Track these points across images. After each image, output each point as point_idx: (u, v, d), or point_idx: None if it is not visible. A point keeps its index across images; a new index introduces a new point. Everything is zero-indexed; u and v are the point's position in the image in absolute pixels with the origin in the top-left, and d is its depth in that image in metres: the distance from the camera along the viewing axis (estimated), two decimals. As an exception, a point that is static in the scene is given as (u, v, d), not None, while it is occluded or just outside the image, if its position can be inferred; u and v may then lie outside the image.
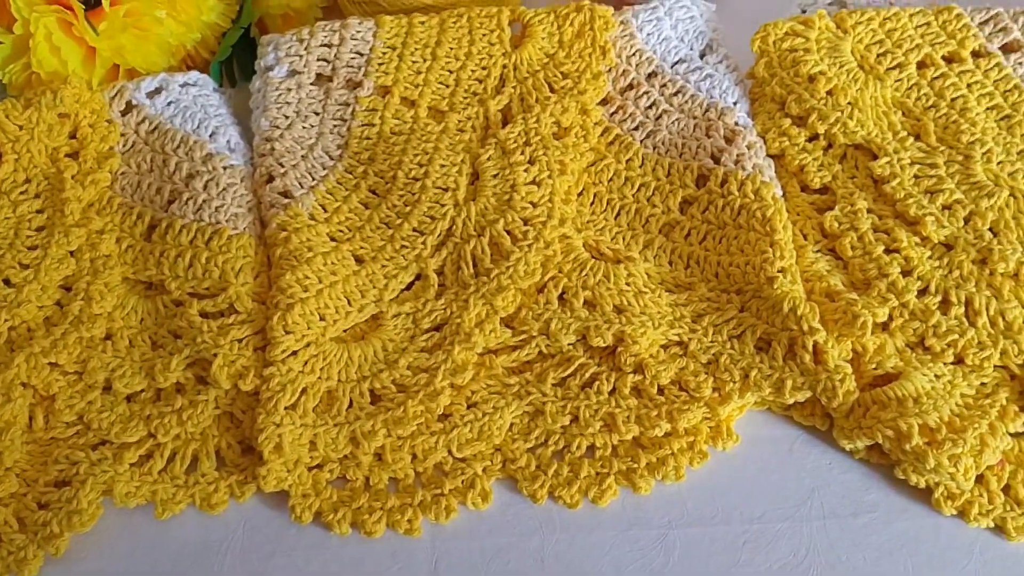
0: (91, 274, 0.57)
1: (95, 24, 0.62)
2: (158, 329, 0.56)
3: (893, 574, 0.48)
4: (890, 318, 0.53)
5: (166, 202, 0.60)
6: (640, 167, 0.61)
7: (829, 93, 0.60)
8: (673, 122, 0.62)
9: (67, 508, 0.51)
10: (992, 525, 0.49)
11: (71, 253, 0.57)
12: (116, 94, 0.63)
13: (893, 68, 0.62)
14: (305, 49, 0.65)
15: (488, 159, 0.60)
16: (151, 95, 0.63)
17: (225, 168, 0.60)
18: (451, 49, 0.65)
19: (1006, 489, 0.49)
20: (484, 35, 0.65)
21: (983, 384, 0.51)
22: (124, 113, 0.63)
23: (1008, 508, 0.48)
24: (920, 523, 0.49)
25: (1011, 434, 0.50)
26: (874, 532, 0.49)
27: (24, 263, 0.57)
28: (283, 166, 0.61)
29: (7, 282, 0.56)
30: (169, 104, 0.63)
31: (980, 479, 0.49)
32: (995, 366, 0.51)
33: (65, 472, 0.52)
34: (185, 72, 0.65)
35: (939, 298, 0.53)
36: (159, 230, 0.59)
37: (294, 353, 0.53)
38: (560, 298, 0.56)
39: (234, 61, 0.69)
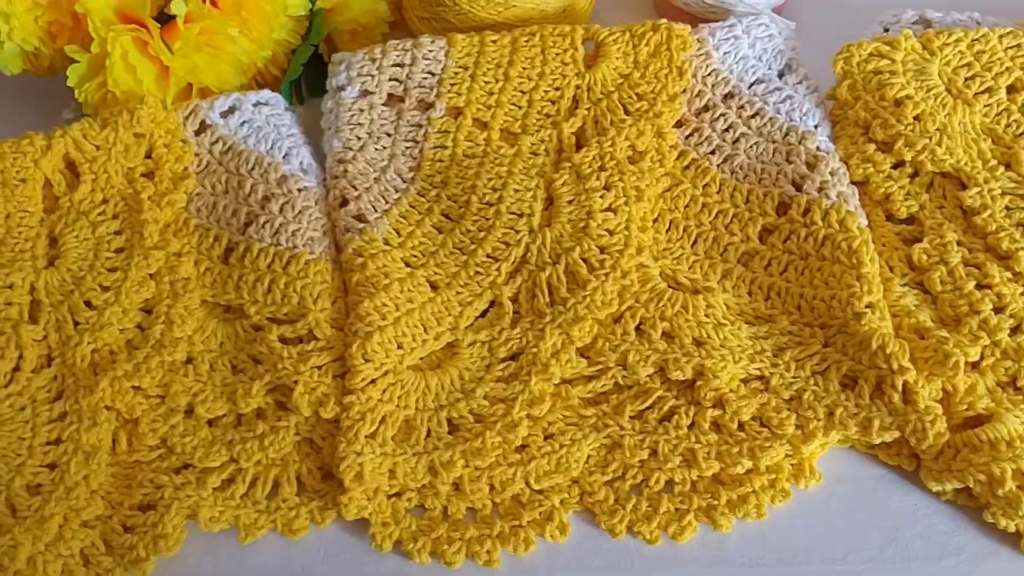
0: (171, 297, 0.57)
1: (169, 43, 0.62)
2: (238, 353, 0.57)
3: (980, 620, 0.48)
4: (981, 357, 0.51)
5: (243, 224, 0.60)
6: (717, 193, 0.60)
7: (916, 118, 0.59)
8: (751, 146, 0.61)
9: (152, 532, 0.51)
10: (1083, 572, 0.48)
11: (150, 275, 0.58)
12: (190, 114, 0.63)
13: (982, 92, 0.60)
14: (377, 69, 0.64)
15: (563, 184, 0.59)
16: (224, 115, 0.63)
17: (300, 190, 0.60)
18: (524, 69, 0.64)
19: (1099, 536, 0.48)
20: (557, 54, 0.64)
21: (1076, 427, 0.50)
22: (198, 133, 0.63)
23: (1101, 556, 0.47)
24: (1007, 567, 0.49)
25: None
26: (960, 575, 0.49)
27: (105, 285, 0.57)
28: (356, 189, 0.60)
29: (89, 304, 0.57)
30: (243, 124, 0.63)
31: (1073, 526, 0.48)
32: (1089, 409, 0.50)
33: (150, 496, 0.53)
34: (256, 91, 0.65)
35: (1032, 337, 0.52)
36: (236, 253, 0.59)
37: (373, 381, 0.54)
38: (637, 329, 0.55)
39: (302, 78, 0.69)
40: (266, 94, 0.64)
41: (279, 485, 0.54)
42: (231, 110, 0.63)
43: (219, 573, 0.52)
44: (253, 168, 0.61)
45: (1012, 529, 0.49)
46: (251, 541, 0.52)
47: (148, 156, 0.62)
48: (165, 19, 0.63)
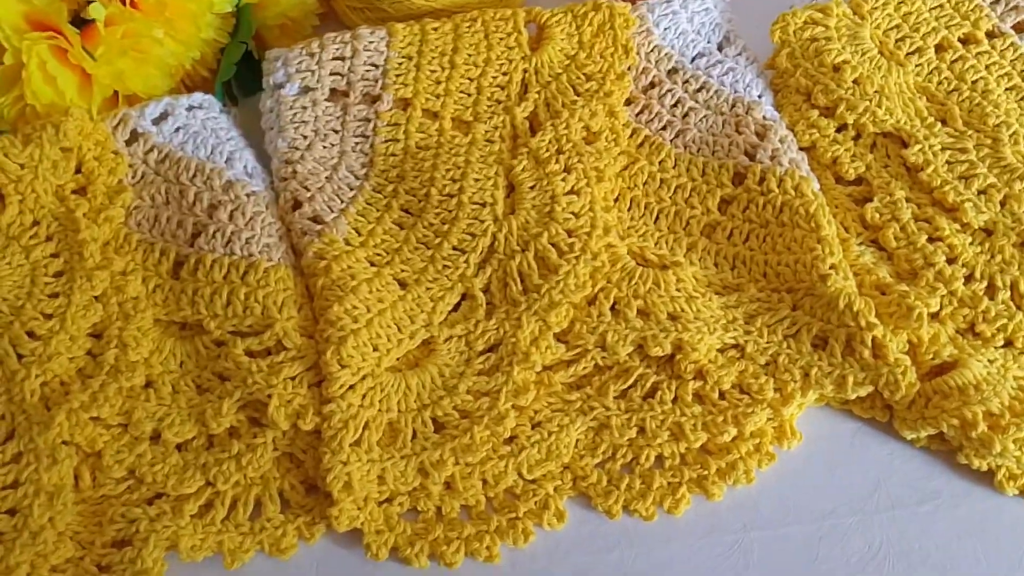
0: (122, 319, 0.54)
1: (90, 49, 0.58)
2: (201, 372, 0.54)
3: (964, 557, 0.50)
4: (940, 307, 0.54)
5: (190, 236, 0.57)
6: (674, 168, 0.60)
7: (855, 82, 0.60)
8: (701, 119, 0.62)
9: (131, 569, 0.49)
10: (1055, 503, 0.51)
11: (96, 298, 0.54)
12: (119, 123, 0.59)
13: (913, 53, 0.62)
14: (317, 63, 0.62)
15: (523, 170, 0.59)
16: (156, 121, 0.60)
17: (248, 195, 0.58)
18: (469, 56, 0.63)
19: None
20: (501, 39, 0.63)
21: (1034, 366, 0.53)
22: (129, 143, 0.60)
23: (1069, 484, 0.50)
24: (984, 505, 0.51)
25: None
26: (941, 518, 0.51)
27: (47, 313, 0.54)
28: (308, 190, 0.58)
29: (31, 334, 0.53)
30: (177, 130, 0.60)
31: (1041, 459, 0.51)
32: (1044, 347, 0.53)
33: (124, 531, 0.50)
34: (188, 94, 0.62)
35: (985, 284, 0.54)
36: (187, 267, 0.56)
37: (351, 387, 0.52)
38: (612, 309, 0.55)
39: (232, 78, 0.66)
40: (199, 97, 0.61)
41: (261, 504, 0.52)
42: (163, 116, 0.60)
43: (207, 602, 0.50)
44: (195, 176, 0.58)
45: (985, 468, 0.51)
46: (238, 566, 0.50)
47: (78, 171, 0.58)
48: (80, 24, 0.59)
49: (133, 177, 0.59)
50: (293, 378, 0.52)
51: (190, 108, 0.61)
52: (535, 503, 0.52)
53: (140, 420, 0.52)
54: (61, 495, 0.49)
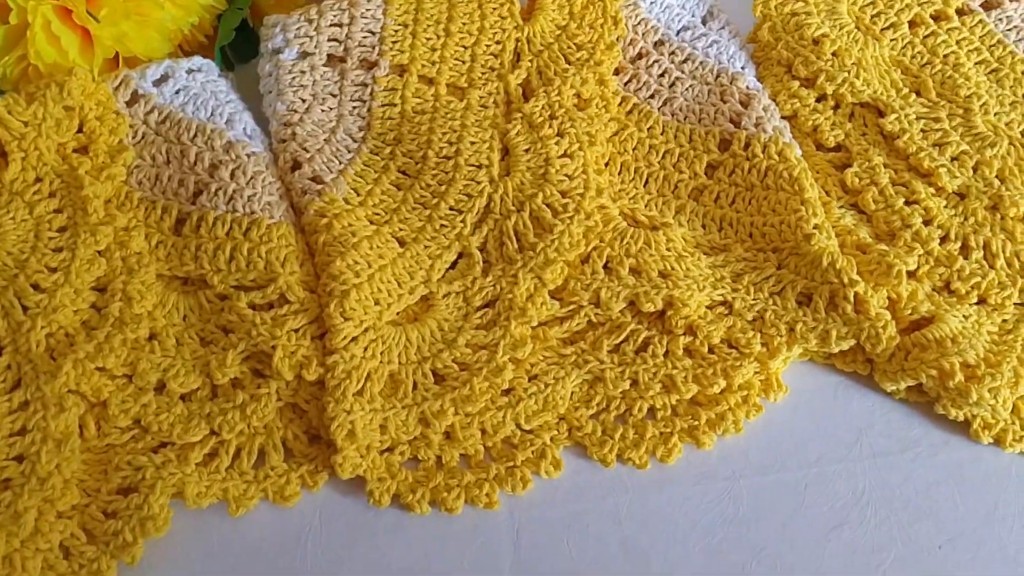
0: (125, 273, 0.55)
1: (93, 12, 0.59)
2: (204, 325, 0.55)
3: (942, 501, 0.52)
4: (917, 266, 0.56)
5: (192, 194, 0.58)
6: (662, 134, 0.63)
7: (834, 54, 0.63)
8: (687, 88, 0.64)
9: (138, 515, 0.50)
10: (1026, 449, 0.53)
11: (100, 253, 0.55)
12: (120, 83, 0.60)
13: (887, 28, 0.65)
14: (315, 30, 0.63)
15: (517, 134, 0.61)
16: (157, 83, 0.61)
17: (249, 155, 0.59)
18: (463, 25, 0.65)
19: (1037, 415, 0.54)
20: (494, 9, 0.65)
21: (1004, 321, 0.55)
22: (130, 104, 0.61)
23: (1040, 432, 0.53)
24: (961, 453, 0.53)
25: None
26: (921, 465, 0.53)
27: (51, 266, 0.55)
28: (308, 151, 0.60)
29: (36, 287, 0.54)
30: (178, 92, 0.61)
31: (1013, 409, 0.53)
32: (1014, 304, 0.56)
33: (130, 478, 0.51)
34: (188, 58, 0.63)
35: (959, 244, 0.57)
36: (190, 224, 0.57)
37: (354, 339, 0.53)
38: (605, 267, 0.57)
39: (228, 44, 0.67)
40: (198, 60, 0.62)
41: (265, 453, 0.53)
42: (164, 78, 0.61)
43: (212, 550, 0.51)
44: (196, 136, 0.59)
45: (962, 418, 0.53)
46: (242, 513, 0.51)
47: (79, 131, 0.59)
48: (82, -13, 0.60)
49: (134, 137, 0.60)
50: (297, 330, 0.54)
51: (190, 71, 0.62)
52: (532, 452, 0.53)
53: (145, 371, 0.53)
54: (68, 442, 0.50)
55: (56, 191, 0.57)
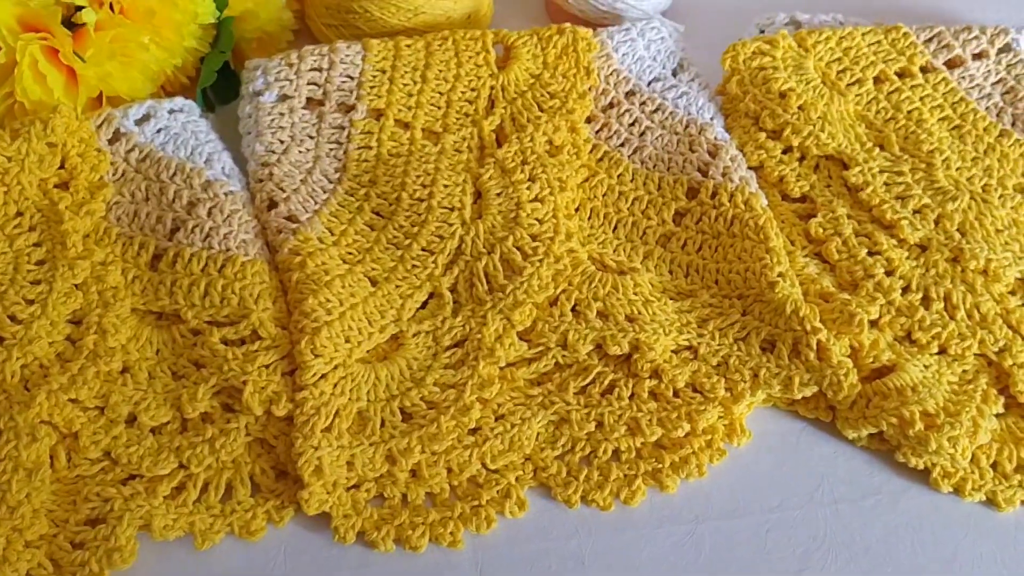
0: (101, 307, 0.56)
1: (80, 52, 0.61)
2: (177, 359, 0.56)
3: (901, 549, 0.53)
4: (879, 315, 0.57)
5: (169, 231, 0.59)
6: (631, 181, 0.64)
7: (800, 108, 0.65)
8: (656, 138, 0.66)
9: (105, 546, 0.50)
10: (984, 499, 0.54)
11: (76, 286, 0.56)
12: (103, 122, 0.62)
13: (853, 84, 0.67)
14: (295, 73, 0.65)
15: (489, 178, 0.62)
16: (139, 122, 0.62)
17: (226, 194, 0.60)
18: (440, 71, 0.66)
19: (994, 465, 0.54)
20: (470, 57, 0.67)
21: (964, 371, 0.57)
22: (112, 141, 0.62)
23: (997, 482, 0.54)
24: (920, 501, 0.54)
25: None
26: (881, 512, 0.54)
27: (29, 298, 0.55)
28: (284, 191, 0.61)
29: (13, 319, 0.55)
30: (159, 131, 0.62)
31: (971, 458, 0.54)
32: (974, 355, 0.57)
33: (98, 509, 0.51)
34: (170, 98, 0.64)
35: (920, 295, 0.58)
36: (166, 259, 0.58)
37: (324, 376, 0.54)
38: (573, 310, 0.58)
39: (210, 86, 0.69)
40: (180, 101, 0.64)
41: (232, 488, 0.53)
42: (146, 117, 0.63)
43: (177, 582, 0.51)
44: (175, 174, 0.61)
45: (922, 466, 0.54)
46: (208, 547, 0.52)
47: (61, 166, 0.60)
48: (70, 28, 0.61)
49: (114, 174, 0.61)
50: (267, 366, 0.54)
51: (172, 111, 0.63)
52: (497, 492, 0.54)
53: (117, 403, 0.54)
54: (39, 472, 0.51)
55: (36, 225, 0.58)
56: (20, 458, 0.50)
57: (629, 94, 0.68)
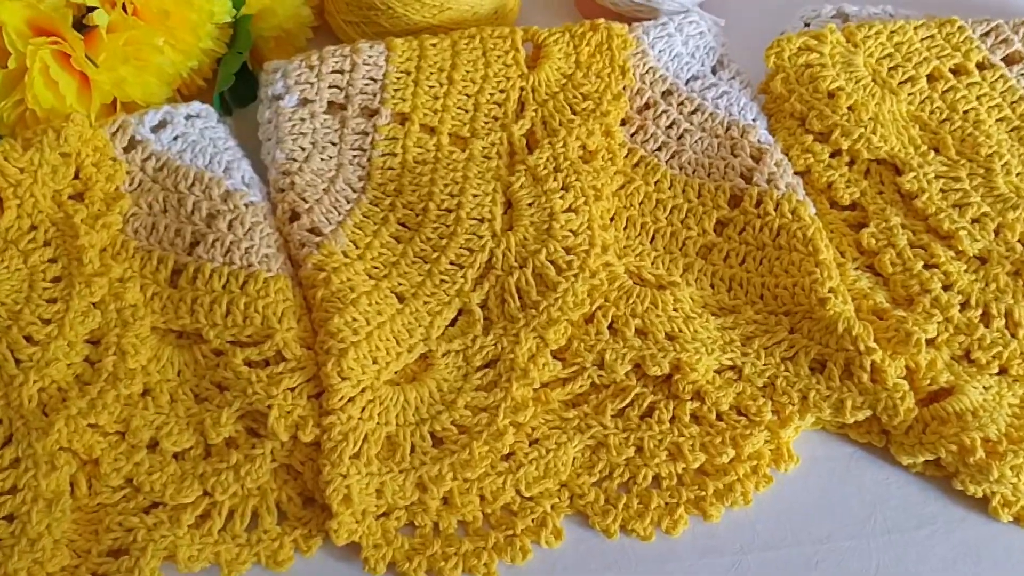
0: (120, 326, 0.53)
1: (92, 56, 0.58)
2: (199, 381, 0.54)
3: (959, 582, 0.50)
4: (936, 333, 0.54)
5: (189, 245, 0.57)
6: (669, 189, 0.61)
7: (850, 108, 0.62)
8: (696, 141, 0.62)
9: (128, 579, 0.48)
10: (1047, 528, 0.51)
11: (94, 304, 0.54)
12: (118, 129, 0.59)
13: (905, 82, 0.64)
14: (316, 76, 0.62)
15: (520, 187, 0.59)
16: (155, 129, 0.60)
17: (247, 205, 0.57)
18: (467, 72, 0.63)
19: (1058, 493, 0.51)
20: (499, 56, 0.64)
21: (1026, 393, 0.54)
22: (127, 150, 0.59)
23: (1061, 512, 0.51)
24: (979, 531, 0.51)
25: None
26: (937, 543, 0.51)
27: (45, 318, 0.53)
28: (306, 201, 0.58)
29: (29, 339, 0.53)
30: (176, 138, 0.60)
31: (1033, 486, 0.51)
32: (1037, 375, 0.54)
33: (120, 540, 0.50)
34: (186, 103, 0.61)
35: (980, 311, 0.55)
36: (186, 275, 0.56)
37: (351, 400, 0.52)
38: (610, 328, 0.55)
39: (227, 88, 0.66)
40: (197, 106, 0.61)
41: (258, 516, 0.51)
42: (162, 124, 0.60)
43: (201, 614, 0.49)
44: (193, 184, 0.58)
45: (980, 495, 0.51)
46: (234, 578, 0.50)
47: (76, 176, 0.58)
48: (82, 30, 0.59)
49: (130, 184, 0.59)
50: (293, 389, 0.52)
51: (188, 117, 0.61)
52: (532, 520, 0.51)
53: (138, 428, 0.52)
54: (59, 502, 0.49)
55: (51, 240, 0.56)
56: (39, 487, 0.49)
57: (666, 94, 0.65)
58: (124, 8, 0.59)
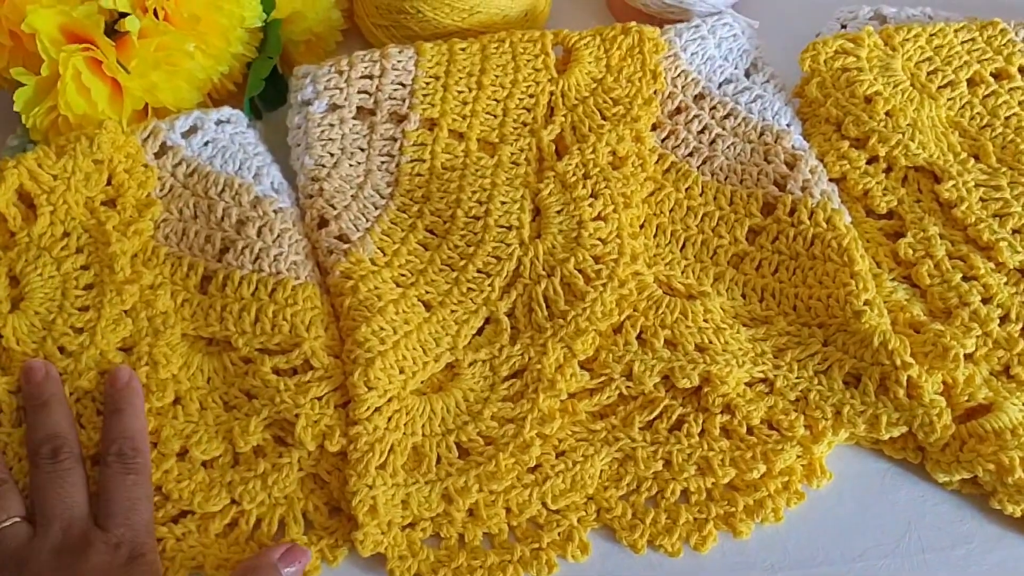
0: (151, 335, 0.54)
1: (123, 62, 0.58)
2: (228, 389, 0.54)
3: (995, 603, 0.49)
4: (975, 348, 0.53)
5: (219, 251, 0.57)
6: (701, 196, 0.60)
7: (888, 114, 0.60)
8: (728, 147, 0.61)
9: (156, 588, 0.48)
10: (1088, 549, 0.50)
11: (125, 312, 0.54)
12: (149, 135, 0.59)
13: (944, 86, 0.62)
14: (345, 81, 0.62)
15: (549, 194, 0.59)
16: (186, 135, 0.60)
17: (276, 212, 0.57)
18: (496, 77, 0.63)
19: (1099, 514, 0.50)
20: (528, 60, 0.63)
21: (1067, 411, 0.52)
22: (159, 155, 0.59)
23: (1103, 532, 0.49)
24: (1017, 551, 0.50)
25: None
26: (974, 563, 0.50)
27: (77, 327, 0.54)
28: (335, 207, 0.58)
29: (62, 350, 0.53)
30: (206, 144, 0.60)
31: (1074, 506, 0.50)
32: (1078, 392, 0.52)
33: (148, 549, 0.50)
34: (216, 108, 0.61)
35: (1020, 325, 0.53)
36: (215, 282, 0.56)
37: (378, 409, 0.52)
38: (639, 338, 0.55)
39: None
40: (227, 111, 0.61)
41: (285, 525, 0.51)
42: (193, 129, 0.60)
43: (227, 623, 0.49)
44: (223, 190, 0.58)
45: (1019, 514, 0.50)
46: (260, 587, 0.50)
47: (108, 183, 0.58)
48: (113, 37, 0.59)
49: (161, 190, 0.59)
50: (320, 398, 0.52)
51: (219, 122, 0.61)
52: (559, 534, 0.51)
53: (168, 438, 0.52)
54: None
55: (83, 246, 0.56)
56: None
57: (698, 98, 0.63)
58: (155, 14, 0.59)
